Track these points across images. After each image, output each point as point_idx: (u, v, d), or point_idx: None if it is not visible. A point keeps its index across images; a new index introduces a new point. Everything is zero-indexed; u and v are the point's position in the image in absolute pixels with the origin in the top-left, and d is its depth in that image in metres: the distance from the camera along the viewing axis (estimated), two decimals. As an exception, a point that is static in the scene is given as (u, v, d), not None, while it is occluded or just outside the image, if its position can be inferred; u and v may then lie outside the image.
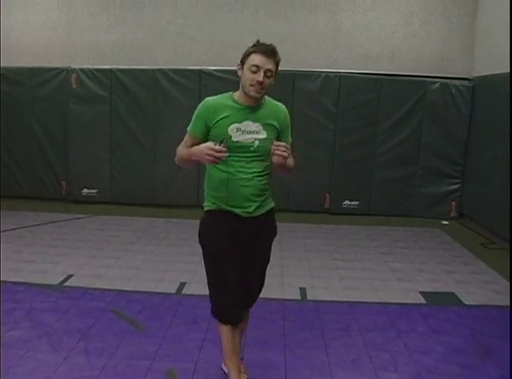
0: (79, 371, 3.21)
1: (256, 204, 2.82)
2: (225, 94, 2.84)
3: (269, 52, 2.68)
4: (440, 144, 7.81)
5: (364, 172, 7.95)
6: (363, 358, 3.49)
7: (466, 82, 7.74)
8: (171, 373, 3.21)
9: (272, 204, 2.97)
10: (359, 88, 7.77)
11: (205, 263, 2.89)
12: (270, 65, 2.68)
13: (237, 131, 2.72)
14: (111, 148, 8.18)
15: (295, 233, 6.84)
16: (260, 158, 2.77)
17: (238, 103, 2.77)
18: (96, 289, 4.63)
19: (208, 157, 2.59)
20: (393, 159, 7.89)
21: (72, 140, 8.19)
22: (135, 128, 8.07)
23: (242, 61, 2.73)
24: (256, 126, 2.75)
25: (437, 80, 7.75)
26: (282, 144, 2.66)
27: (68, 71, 8.07)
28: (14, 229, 6.60)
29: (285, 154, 2.62)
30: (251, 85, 2.68)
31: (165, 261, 5.49)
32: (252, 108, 2.77)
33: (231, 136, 2.70)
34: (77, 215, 7.48)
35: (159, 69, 7.92)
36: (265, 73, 2.67)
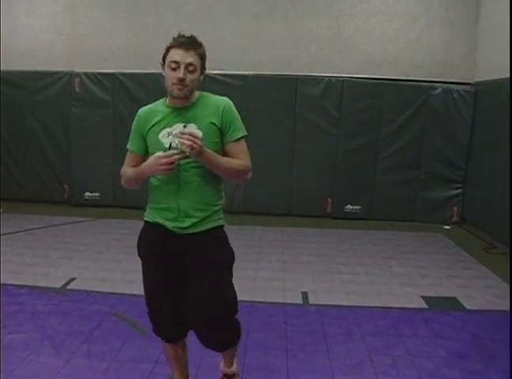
0: (81, 374, 3.22)
1: (194, 220, 2.50)
2: (160, 100, 2.65)
3: (188, 44, 2.41)
4: (442, 149, 7.82)
5: (366, 177, 7.96)
6: (364, 363, 3.49)
7: (468, 87, 7.75)
8: (174, 377, 3.21)
9: (218, 222, 2.59)
10: (361, 92, 7.79)
11: None
12: (191, 59, 2.41)
13: (168, 136, 2.45)
14: (114, 152, 8.18)
15: (297, 237, 6.84)
16: (200, 164, 2.43)
17: (168, 106, 2.54)
18: (98, 292, 4.64)
19: (161, 167, 2.34)
20: (396, 164, 7.90)
21: (74, 143, 8.22)
22: (138, 132, 8.08)
23: (163, 59, 2.51)
24: (190, 127, 2.44)
25: (439, 85, 7.76)
26: (186, 131, 2.34)
27: (71, 75, 8.10)
28: (16, 232, 6.61)
29: (188, 142, 2.27)
30: (173, 84, 2.43)
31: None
32: (183, 109, 2.50)
33: (163, 143, 2.45)
34: (79, 219, 7.49)
35: (162, 74, 7.92)
36: (186, 67, 2.40)
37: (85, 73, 8.07)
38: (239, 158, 2.54)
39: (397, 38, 7.96)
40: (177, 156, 2.34)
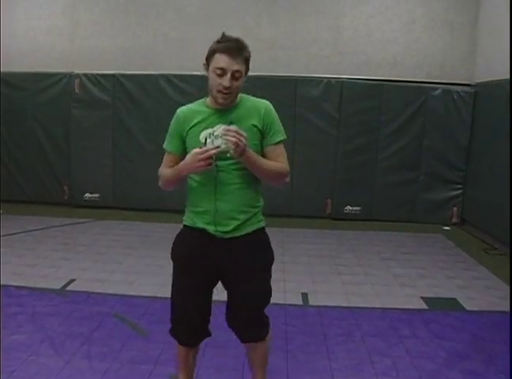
0: (81, 375, 3.22)
1: (236, 223, 2.48)
2: (199, 100, 2.59)
3: (235, 50, 2.35)
4: (442, 150, 7.82)
5: (366, 177, 7.96)
6: (364, 364, 3.49)
7: (468, 88, 7.76)
8: (174, 378, 3.22)
9: (260, 224, 2.62)
10: (361, 94, 7.80)
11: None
12: (237, 66, 2.35)
13: (209, 137, 2.35)
14: (114, 153, 8.20)
15: (297, 238, 6.85)
16: (241, 166, 2.42)
17: (209, 107, 2.50)
18: (98, 293, 4.64)
19: (199, 163, 2.30)
20: (395, 165, 7.91)
21: (74, 145, 8.22)
22: (138, 133, 8.09)
23: (207, 60, 2.43)
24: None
25: (439, 86, 7.77)
26: (232, 128, 2.27)
27: (71, 76, 8.10)
28: (16, 233, 6.61)
29: (233, 139, 2.23)
30: (218, 91, 2.38)
31: (167, 266, 5.46)
32: (225, 110, 2.47)
33: (205, 144, 2.35)
34: (79, 220, 7.49)
35: (162, 75, 7.96)
36: (232, 75, 2.35)
37: (85, 75, 8.07)
38: (278, 161, 2.52)
39: (396, 39, 7.97)
40: (213, 151, 2.28)
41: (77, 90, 8.09)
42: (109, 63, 8.20)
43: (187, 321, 2.68)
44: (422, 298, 4.80)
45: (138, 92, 8.03)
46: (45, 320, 4.01)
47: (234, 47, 2.36)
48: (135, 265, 5.52)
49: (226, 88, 2.36)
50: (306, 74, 7.88)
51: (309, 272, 5.45)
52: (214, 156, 2.32)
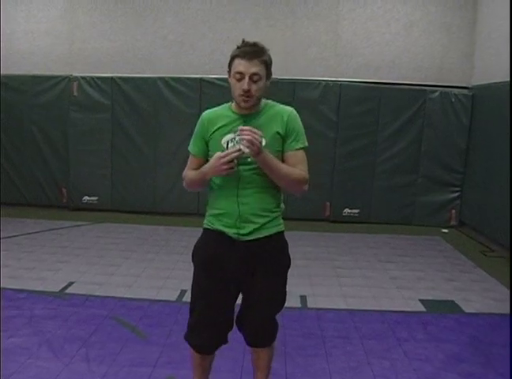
0: (80, 378, 3.22)
1: (254, 226, 2.50)
2: (225, 104, 2.63)
3: (252, 54, 2.40)
4: (440, 153, 7.84)
5: (364, 180, 7.97)
6: (363, 366, 3.49)
7: (466, 91, 7.78)
8: (171, 380, 3.23)
9: (279, 228, 2.61)
10: (359, 96, 7.81)
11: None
12: (255, 69, 2.40)
13: (231, 142, 2.45)
14: (112, 156, 8.20)
15: (296, 241, 6.80)
16: (261, 171, 2.44)
17: (233, 112, 2.54)
18: (96, 296, 4.64)
19: (223, 166, 2.35)
20: (393, 168, 7.92)
21: (73, 147, 8.22)
22: (136, 136, 8.10)
23: (229, 67, 2.51)
24: None
25: (437, 88, 7.79)
26: (246, 128, 2.31)
27: (69, 79, 8.11)
28: (15, 236, 6.61)
29: (248, 137, 2.26)
30: (239, 95, 2.43)
31: (166, 269, 5.49)
32: (249, 116, 2.50)
33: (227, 149, 2.44)
34: (77, 223, 7.49)
35: (160, 78, 7.96)
36: (250, 78, 2.39)
37: (83, 77, 8.07)
38: (297, 167, 2.51)
39: (394, 42, 7.99)
40: (236, 154, 2.33)
41: (75, 93, 8.09)
42: (107, 66, 8.21)
43: (208, 325, 2.65)
44: (420, 300, 4.80)
45: (136, 95, 8.03)
46: (43, 323, 4.00)
47: (250, 51, 2.41)
48: (133, 268, 5.51)
49: (246, 92, 2.40)
50: (305, 77, 7.89)
51: (307, 275, 5.46)
52: (236, 160, 2.36)
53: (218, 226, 2.55)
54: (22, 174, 8.42)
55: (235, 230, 2.50)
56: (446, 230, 7.75)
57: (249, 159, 2.40)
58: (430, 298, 4.88)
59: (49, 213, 8.00)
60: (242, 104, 2.45)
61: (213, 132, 2.53)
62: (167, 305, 4.49)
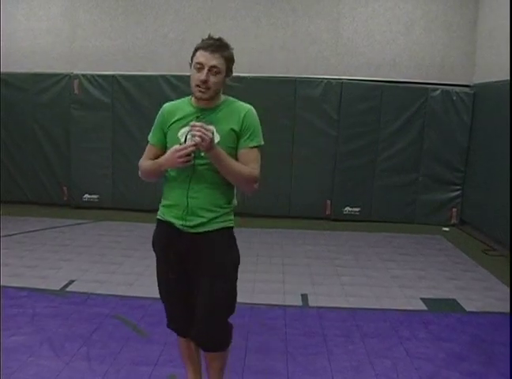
0: (81, 377, 3.22)
1: (202, 220, 2.51)
2: (186, 97, 2.68)
3: (214, 47, 2.44)
4: (441, 151, 7.83)
5: (365, 179, 7.97)
6: (364, 365, 3.49)
7: (467, 89, 7.77)
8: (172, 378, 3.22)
9: (226, 224, 2.59)
10: (360, 95, 7.80)
11: None
12: (215, 61, 2.43)
13: (187, 134, 2.46)
14: (113, 154, 8.21)
15: (297, 240, 6.84)
16: (213, 166, 2.46)
17: (192, 106, 2.58)
18: (98, 294, 4.64)
19: (179, 159, 2.39)
20: (395, 166, 7.91)
21: (74, 145, 8.23)
22: (137, 134, 8.08)
23: (191, 58, 2.53)
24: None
25: (438, 87, 7.78)
26: (198, 124, 2.33)
27: (70, 77, 8.10)
28: (16, 234, 6.61)
29: (199, 133, 2.28)
30: (196, 85, 2.47)
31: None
32: (206, 110, 2.53)
33: (180, 140, 2.49)
34: (78, 221, 7.49)
35: (161, 76, 7.96)
36: (209, 70, 2.43)
37: (84, 75, 8.07)
38: (249, 166, 2.52)
39: (395, 40, 7.98)
40: (193, 148, 2.36)
41: (76, 91, 8.09)
42: (108, 64, 8.20)
43: (174, 312, 2.76)
44: (421, 299, 4.80)
45: (137, 93, 8.03)
46: (45, 322, 4.01)
47: (213, 44, 2.45)
48: (135, 266, 5.51)
49: (203, 82, 2.44)
50: (306, 75, 7.88)
51: (308, 274, 5.45)
52: (193, 154, 2.40)
53: (168, 217, 2.60)
54: (23, 172, 8.43)
55: (182, 222, 2.54)
56: (447, 229, 7.74)
57: (202, 154, 2.42)
58: (431, 296, 4.88)
59: (50, 211, 8.00)
60: (198, 94, 2.49)
61: (171, 123, 2.57)
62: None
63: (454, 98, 7.72)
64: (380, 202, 7.99)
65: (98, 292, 4.70)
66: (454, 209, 7.94)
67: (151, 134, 2.69)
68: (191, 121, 2.45)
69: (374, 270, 5.66)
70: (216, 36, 2.52)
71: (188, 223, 2.52)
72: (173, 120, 2.57)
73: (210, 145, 2.33)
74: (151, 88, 7.99)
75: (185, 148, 2.37)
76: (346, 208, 8.02)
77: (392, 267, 5.79)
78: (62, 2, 8.28)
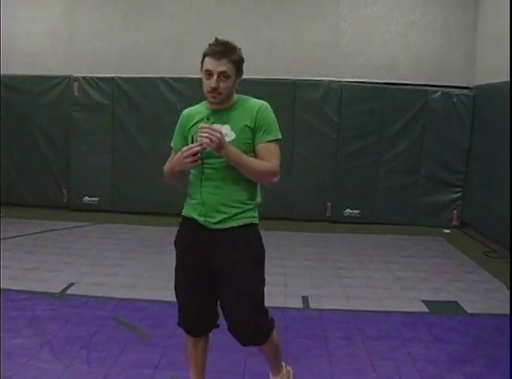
0: (81, 380, 3.20)
1: (224, 216, 2.56)
2: (203, 102, 2.73)
3: (221, 53, 2.48)
4: (442, 153, 7.82)
5: (366, 181, 7.95)
6: (366, 367, 3.47)
7: (467, 91, 7.77)
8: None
9: (249, 220, 2.63)
10: (360, 96, 7.80)
11: None
12: (223, 67, 2.47)
13: (193, 136, 2.57)
14: (113, 157, 8.19)
15: (297, 242, 6.82)
16: (228, 163, 2.52)
17: (207, 109, 2.64)
18: (98, 297, 4.61)
19: (187, 159, 2.45)
20: (395, 168, 7.90)
21: (73, 148, 8.22)
22: (137, 136, 8.09)
23: (201, 64, 2.58)
24: (224, 129, 2.52)
25: (438, 89, 7.77)
26: (205, 126, 2.43)
27: (70, 79, 8.10)
28: (15, 237, 6.59)
29: (206, 135, 2.36)
30: (208, 92, 2.53)
31: (167, 269, 5.44)
32: (221, 111, 2.59)
33: (191, 142, 2.57)
34: (78, 224, 7.46)
35: (161, 78, 7.95)
36: (218, 76, 2.48)
37: (84, 78, 8.07)
38: (267, 160, 2.56)
39: (395, 42, 7.97)
40: (197, 148, 2.42)
41: (76, 93, 8.09)
42: (108, 66, 8.19)
43: (188, 310, 2.75)
44: (423, 301, 4.77)
45: (137, 95, 8.02)
46: (45, 325, 3.98)
47: (219, 50, 2.49)
48: (135, 269, 5.49)
49: (214, 89, 2.49)
50: (306, 77, 7.87)
51: (309, 276, 5.43)
52: (200, 154, 2.46)
53: (192, 214, 2.64)
54: (23, 174, 8.41)
55: (203, 218, 2.59)
56: (447, 231, 7.73)
57: (208, 148, 2.46)
58: (433, 298, 4.86)
59: (50, 214, 7.98)
60: (211, 100, 2.55)
61: (190, 128, 2.65)
62: (169, 306, 4.44)
63: (454, 100, 7.72)
64: (380, 204, 7.97)
65: (98, 295, 4.67)
66: (455, 211, 7.93)
67: (173, 140, 2.80)
68: (208, 123, 2.53)
69: (376, 272, 5.64)
70: (223, 39, 2.56)
71: (210, 220, 2.58)
72: (191, 124, 2.65)
73: (220, 145, 2.38)
74: (150, 90, 7.99)
75: (190, 149, 2.44)
76: (347, 210, 8.00)
77: (393, 269, 5.77)
78: (61, 4, 8.28)
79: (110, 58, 8.24)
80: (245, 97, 2.68)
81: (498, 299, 4.89)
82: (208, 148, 2.42)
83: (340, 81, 7.84)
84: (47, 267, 5.46)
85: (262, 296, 2.71)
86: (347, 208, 8.00)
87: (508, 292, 5.08)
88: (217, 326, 2.81)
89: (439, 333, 4.05)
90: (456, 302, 4.77)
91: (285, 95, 7.72)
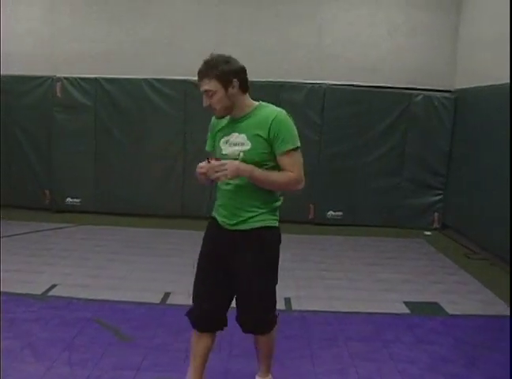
0: (63, 382, 3.18)
1: (239, 219, 2.71)
2: None
3: (201, 74, 2.62)
4: (423, 156, 7.89)
5: (348, 183, 7.99)
6: (348, 368, 3.49)
7: (449, 94, 7.84)
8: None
9: (264, 223, 2.77)
10: (343, 99, 7.83)
11: None
12: (205, 86, 2.61)
13: (226, 143, 2.70)
14: (96, 157, 8.14)
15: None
16: None
17: (226, 119, 2.76)
18: (80, 299, 4.58)
19: (200, 176, 2.63)
20: (377, 171, 7.95)
21: (56, 148, 8.15)
22: (120, 137, 8.05)
23: None
24: (241, 138, 2.64)
25: (420, 92, 7.84)
26: (214, 163, 2.54)
27: (53, 80, 8.03)
28: (-3, 238, 6.53)
29: (215, 175, 2.53)
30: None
31: (150, 271, 5.45)
32: (237, 120, 2.70)
33: (221, 150, 2.71)
34: (60, 225, 7.40)
35: (144, 79, 7.92)
36: (206, 94, 2.64)
37: (67, 78, 8.01)
38: (288, 170, 2.65)
39: (378, 45, 8.03)
40: (202, 170, 2.57)
41: (58, 94, 8.02)
42: (91, 67, 8.12)
43: (200, 304, 2.84)
44: (405, 302, 4.81)
45: (121, 96, 7.99)
46: (26, 327, 3.95)
47: (200, 71, 2.64)
48: (118, 271, 5.46)
49: (207, 107, 2.66)
50: (289, 80, 7.89)
51: (292, 277, 5.44)
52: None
53: (216, 215, 2.84)
54: (5, 175, 8.27)
55: (223, 220, 2.76)
56: (428, 233, 7.79)
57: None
58: (415, 300, 4.89)
59: (32, 215, 7.89)
60: (213, 114, 2.75)
61: (215, 134, 2.83)
62: (152, 308, 4.46)
63: (436, 103, 7.79)
64: (363, 206, 8.02)
65: (80, 296, 4.65)
66: (436, 213, 8.00)
67: (207, 143, 2.96)
68: (227, 131, 2.72)
69: (358, 274, 5.68)
70: (213, 55, 2.66)
71: (228, 221, 2.74)
72: (216, 130, 2.82)
73: (233, 175, 2.53)
74: (134, 91, 7.96)
75: (200, 168, 2.59)
76: (329, 212, 8.04)
77: (375, 270, 5.81)
78: (43, 4, 8.22)
79: (93, 59, 8.17)
80: (264, 104, 2.75)
81: (478, 300, 4.95)
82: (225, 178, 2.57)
83: (324, 84, 7.87)
84: (30, 268, 5.42)
85: (273, 296, 3.01)
86: (329, 210, 8.04)
87: (489, 293, 5.14)
88: (225, 325, 2.92)
89: (420, 334, 4.09)
90: (437, 304, 4.82)
91: (268, 97, 7.65)
